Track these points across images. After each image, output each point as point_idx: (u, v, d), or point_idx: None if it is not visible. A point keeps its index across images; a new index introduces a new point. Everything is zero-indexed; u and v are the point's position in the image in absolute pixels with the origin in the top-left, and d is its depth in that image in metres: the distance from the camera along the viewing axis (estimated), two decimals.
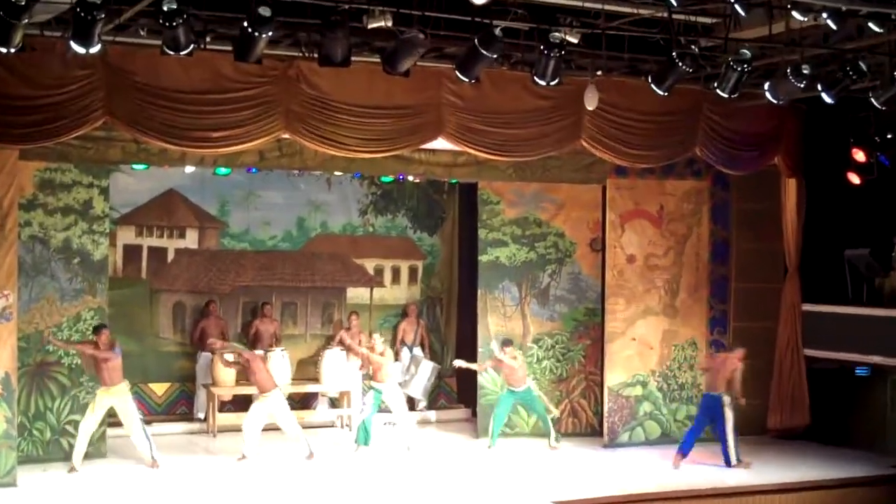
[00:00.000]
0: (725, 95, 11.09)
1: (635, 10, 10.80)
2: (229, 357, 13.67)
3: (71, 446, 12.37)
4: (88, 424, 12.21)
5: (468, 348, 15.20)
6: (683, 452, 13.02)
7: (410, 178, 15.25)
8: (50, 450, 12.60)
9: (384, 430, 14.24)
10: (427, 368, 15.04)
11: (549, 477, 12.38)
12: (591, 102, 11.72)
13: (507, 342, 13.89)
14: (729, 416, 12.91)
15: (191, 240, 15.41)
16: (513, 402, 13.94)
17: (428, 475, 12.41)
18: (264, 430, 13.08)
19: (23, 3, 8.74)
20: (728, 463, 12.95)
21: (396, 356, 15.71)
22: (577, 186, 14.73)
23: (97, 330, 12.45)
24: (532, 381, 14.01)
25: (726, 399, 12.94)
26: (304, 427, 13.61)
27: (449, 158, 13.83)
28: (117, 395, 12.34)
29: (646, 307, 14.49)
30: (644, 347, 14.49)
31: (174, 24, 9.30)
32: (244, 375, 13.70)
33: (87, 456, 12.26)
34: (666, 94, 11.16)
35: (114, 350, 12.32)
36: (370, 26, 10.39)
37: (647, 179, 14.48)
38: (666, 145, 13.02)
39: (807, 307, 14.42)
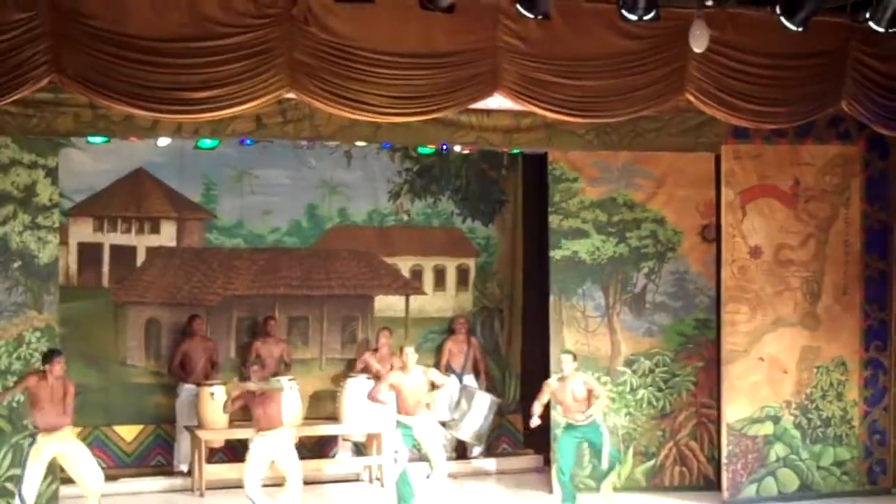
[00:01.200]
0: (882, 30, 10.98)
1: None
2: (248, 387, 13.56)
3: None
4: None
5: (539, 375, 15.20)
6: None
7: (457, 148, 15.26)
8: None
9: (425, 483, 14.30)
10: (483, 403, 15.07)
11: None
12: (699, 43, 11.66)
13: (572, 354, 13.85)
14: None
15: (167, 235, 15.55)
16: (577, 440, 13.87)
17: None
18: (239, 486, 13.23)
19: None
20: None
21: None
22: (681, 156, 14.70)
23: (50, 357, 12.52)
24: (599, 413, 13.89)
25: None
26: (321, 481, 13.69)
27: (509, 122, 13.82)
28: (63, 441, 12.47)
29: (777, 317, 14.44)
30: (775, 371, 14.43)
31: None
32: (242, 412, 13.75)
33: None
34: (800, 29, 11.05)
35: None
36: None
37: (777, 145, 14.42)
38: (801, 98, 12.93)
39: None
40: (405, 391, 13.58)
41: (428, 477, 14.28)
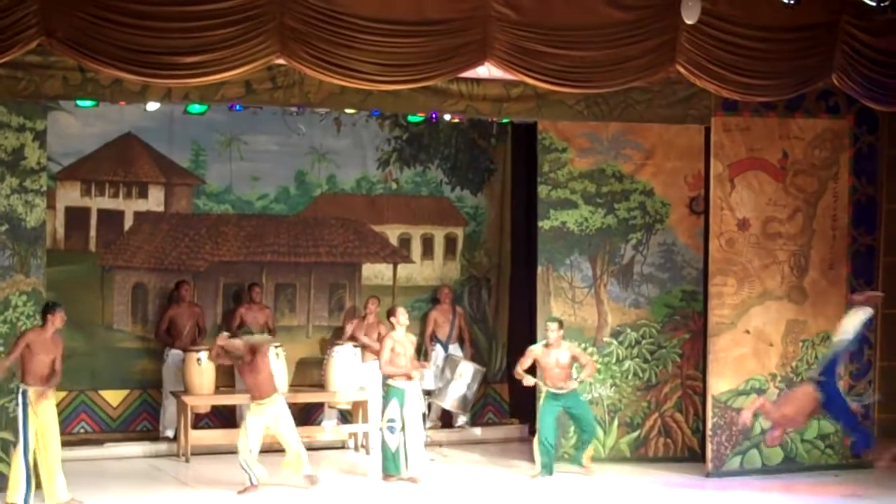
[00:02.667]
0: (873, 4, 10.98)
1: None
2: (236, 343, 13.53)
3: (2, 474, 12.51)
4: None
5: (525, 345, 15.23)
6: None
7: (447, 117, 15.25)
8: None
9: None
10: (467, 372, 15.12)
11: None
12: (690, 14, 11.66)
13: (558, 321, 14.01)
14: None
15: (155, 200, 15.55)
16: (557, 409, 13.96)
17: None
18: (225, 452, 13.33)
19: None
20: None
21: (427, 356, 15.81)
22: (671, 128, 14.71)
23: (52, 308, 12.33)
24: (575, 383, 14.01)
25: None
26: (308, 448, 13.73)
27: (498, 91, 13.81)
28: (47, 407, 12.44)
29: (764, 290, 14.48)
30: (761, 344, 14.47)
31: None
32: (228, 378, 13.80)
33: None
34: (792, 2, 11.04)
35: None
36: None
37: (766, 118, 14.42)
38: (791, 71, 12.93)
39: None
40: (402, 352, 13.67)
41: (431, 461, 14.45)
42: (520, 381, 14.06)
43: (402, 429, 13.59)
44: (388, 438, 13.59)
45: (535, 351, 13.99)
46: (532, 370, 14.04)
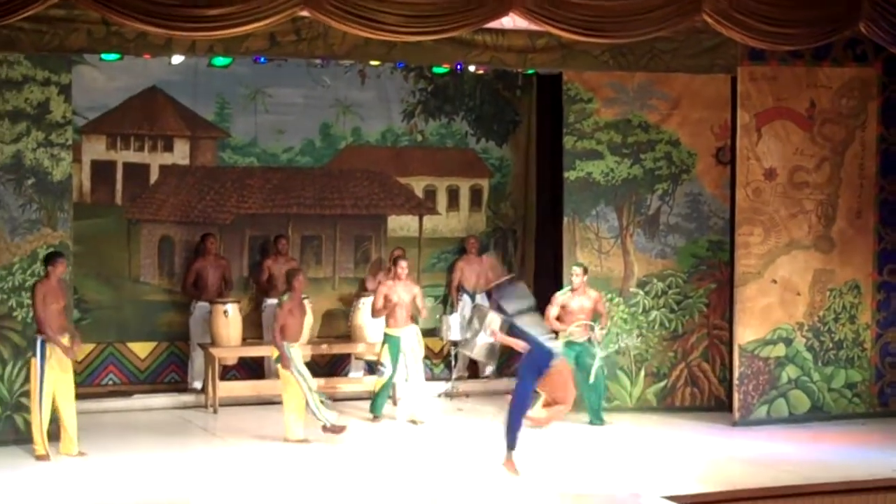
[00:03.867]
0: None
1: None
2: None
3: (27, 423, 12.61)
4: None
5: (551, 295, 15.24)
6: None
7: (472, 68, 15.24)
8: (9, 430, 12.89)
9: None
10: (495, 322, 15.14)
11: (659, 465, 12.46)
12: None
13: (583, 267, 14.22)
14: None
15: (180, 154, 15.59)
16: (573, 356, 13.99)
17: (489, 456, 12.56)
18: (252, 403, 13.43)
19: None
20: None
21: (454, 305, 15.87)
22: (697, 77, 14.66)
23: (53, 258, 12.37)
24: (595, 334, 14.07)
25: None
26: (335, 399, 13.87)
27: (524, 42, 13.78)
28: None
29: (791, 239, 14.46)
30: (788, 293, 14.48)
31: None
32: (255, 329, 13.86)
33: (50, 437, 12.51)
34: None
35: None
36: None
37: (793, 67, 14.36)
38: (818, 20, 12.87)
39: None
40: (396, 302, 13.96)
41: (459, 410, 14.59)
42: None
43: (393, 374, 14.01)
44: (376, 380, 14.14)
45: (560, 297, 14.07)
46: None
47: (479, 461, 12.35)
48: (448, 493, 11.47)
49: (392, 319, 14.02)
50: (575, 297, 14.04)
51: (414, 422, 14.06)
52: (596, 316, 14.14)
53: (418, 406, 14.18)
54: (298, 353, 13.25)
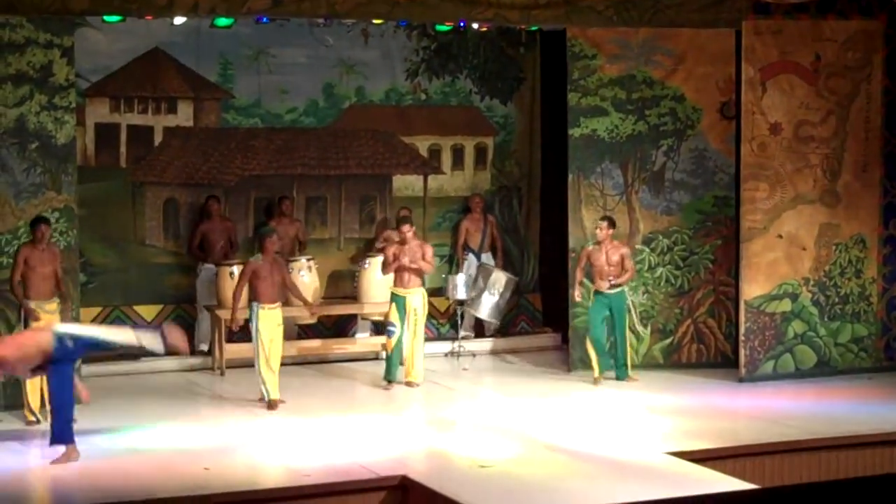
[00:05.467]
0: None
1: None
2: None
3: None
4: None
5: (557, 254, 15.29)
6: None
7: (475, 25, 15.21)
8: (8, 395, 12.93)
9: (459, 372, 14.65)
10: (501, 281, 15.18)
11: (666, 421, 12.50)
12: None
13: (604, 219, 14.17)
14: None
15: (184, 115, 15.58)
16: (607, 310, 14.07)
17: (497, 416, 12.61)
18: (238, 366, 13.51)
19: None
20: None
21: (459, 265, 15.89)
22: (701, 32, 14.63)
23: (37, 223, 12.41)
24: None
25: None
26: (342, 360, 13.87)
27: None
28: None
29: (796, 194, 14.46)
30: (794, 248, 14.49)
31: None
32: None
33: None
34: None
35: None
36: None
37: (798, 20, 14.32)
38: None
39: None
40: (404, 264, 13.91)
41: (464, 370, 14.87)
42: (552, 290, 14.15)
43: (401, 334, 13.92)
44: (386, 343, 14.04)
45: (587, 250, 14.14)
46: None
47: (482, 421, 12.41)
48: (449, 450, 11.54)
49: (399, 279, 14.01)
50: (602, 247, 14.05)
51: (410, 384, 14.06)
52: (624, 271, 14.13)
53: (416, 368, 14.14)
54: (276, 315, 13.24)
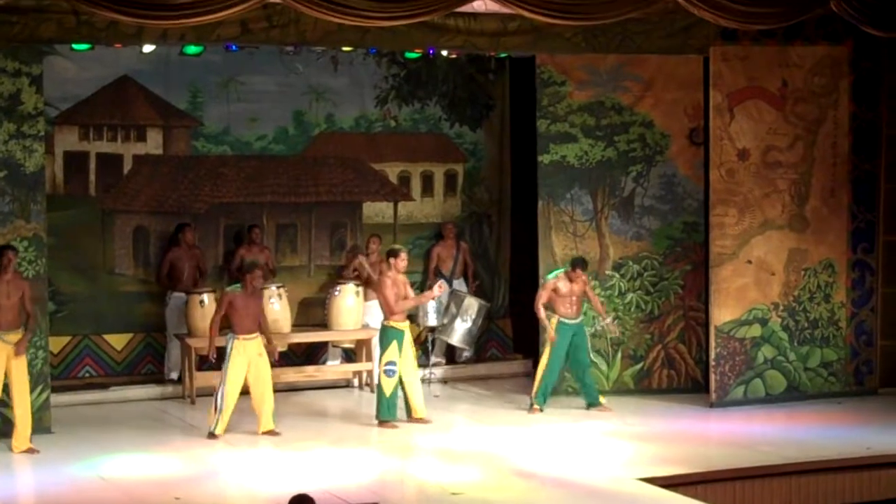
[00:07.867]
0: None
1: None
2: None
3: (7, 419, 12.58)
4: None
5: (528, 280, 15.29)
6: None
7: (444, 53, 15.24)
8: None
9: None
10: (473, 307, 15.16)
11: (637, 447, 12.50)
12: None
13: (578, 263, 13.95)
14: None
15: (153, 143, 15.54)
16: (570, 338, 14.02)
17: (468, 443, 12.59)
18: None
19: None
20: None
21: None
22: (669, 58, 14.68)
23: (3, 252, 12.28)
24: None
25: None
26: (312, 387, 13.78)
27: (496, 25, 13.78)
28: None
29: (765, 219, 14.51)
30: (763, 273, 14.52)
31: None
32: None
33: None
34: None
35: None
36: None
37: (765, 46, 14.40)
38: None
39: None
40: (401, 293, 13.52)
41: (435, 397, 14.63)
42: (523, 316, 14.09)
43: (400, 373, 13.42)
44: (384, 383, 13.37)
45: (554, 283, 13.96)
46: None
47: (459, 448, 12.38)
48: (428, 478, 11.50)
49: (396, 312, 13.51)
50: (569, 281, 13.94)
51: (422, 420, 13.58)
52: (586, 300, 14.09)
53: (421, 403, 13.65)
54: (254, 345, 13.05)
